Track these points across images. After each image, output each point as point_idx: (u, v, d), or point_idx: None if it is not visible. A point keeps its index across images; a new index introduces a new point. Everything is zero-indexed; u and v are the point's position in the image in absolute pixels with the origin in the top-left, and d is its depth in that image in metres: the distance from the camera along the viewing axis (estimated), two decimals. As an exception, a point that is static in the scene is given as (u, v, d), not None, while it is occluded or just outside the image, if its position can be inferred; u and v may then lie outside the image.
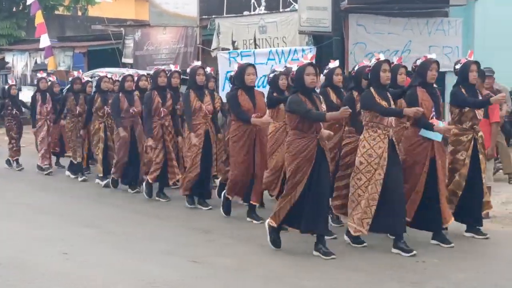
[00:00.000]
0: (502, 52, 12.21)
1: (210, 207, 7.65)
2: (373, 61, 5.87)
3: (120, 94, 8.80)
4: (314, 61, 6.46)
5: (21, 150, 11.81)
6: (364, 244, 5.71)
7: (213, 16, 14.24)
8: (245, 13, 14.23)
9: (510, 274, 5.08)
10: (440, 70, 14.27)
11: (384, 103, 5.61)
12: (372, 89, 5.69)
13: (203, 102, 7.66)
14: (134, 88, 9.18)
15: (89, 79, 11.03)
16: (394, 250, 5.52)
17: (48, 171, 10.86)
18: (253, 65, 7.07)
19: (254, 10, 14.35)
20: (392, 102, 5.79)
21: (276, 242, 5.63)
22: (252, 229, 6.79)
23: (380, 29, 12.53)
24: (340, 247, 5.89)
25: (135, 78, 9.19)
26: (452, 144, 6.21)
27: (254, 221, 6.92)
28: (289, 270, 5.42)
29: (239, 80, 6.98)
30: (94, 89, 10.44)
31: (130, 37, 16.90)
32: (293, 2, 12.91)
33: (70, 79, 11.07)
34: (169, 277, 4.98)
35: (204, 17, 14.48)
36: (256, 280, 5.12)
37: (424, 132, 5.86)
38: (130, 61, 16.64)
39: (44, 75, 11.63)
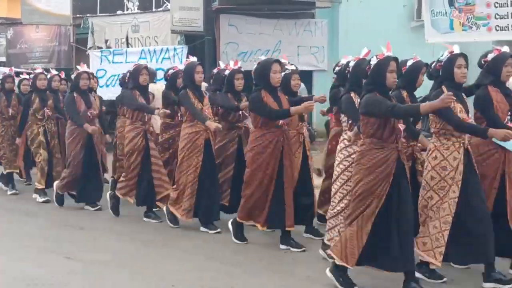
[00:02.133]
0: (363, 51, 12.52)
1: (219, 229, 6.26)
2: (445, 54, 4.77)
3: (75, 94, 7.47)
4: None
5: None
6: (444, 279, 4.51)
7: (87, 15, 13.86)
8: (118, 12, 13.91)
9: None
10: (308, 69, 14.15)
11: (459, 106, 4.56)
12: (444, 88, 4.59)
13: (203, 104, 6.32)
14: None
15: (26, 77, 9.47)
16: (488, 285, 4.42)
17: None
18: (280, 62, 5.78)
19: (127, 10, 14.07)
20: (467, 105, 4.67)
21: (350, 284, 4.43)
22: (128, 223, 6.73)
23: (251, 29, 12.56)
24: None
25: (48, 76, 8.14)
26: None
27: (293, 249, 5.58)
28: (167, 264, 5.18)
29: (262, 79, 5.63)
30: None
31: (2, 35, 16.24)
32: (166, 2, 12.74)
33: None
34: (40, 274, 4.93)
35: (77, 15, 14.01)
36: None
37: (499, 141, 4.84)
38: (3, 59, 16.07)
39: (12, 72, 9.79)
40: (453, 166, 4.44)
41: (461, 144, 4.49)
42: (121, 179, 7.02)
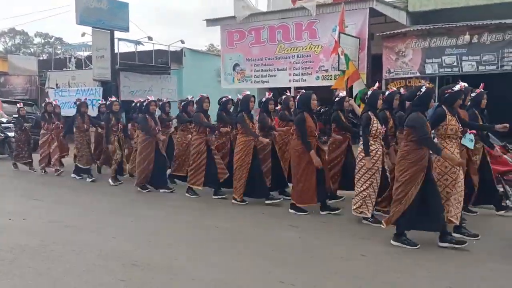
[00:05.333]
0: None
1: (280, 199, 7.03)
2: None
3: (146, 116, 8.11)
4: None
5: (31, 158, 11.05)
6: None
7: (48, 70, 18.33)
8: (64, 69, 18.48)
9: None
10: (167, 100, 18.73)
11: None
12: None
13: (253, 123, 7.16)
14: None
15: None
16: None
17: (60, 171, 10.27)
18: (314, 93, 6.30)
19: (69, 68, 18.45)
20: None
21: (409, 242, 4.87)
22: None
23: (137, 79, 17.32)
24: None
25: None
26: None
27: (332, 212, 6.29)
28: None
29: (305, 105, 6.17)
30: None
31: (-4, 81, 19.80)
32: (89, 64, 17.08)
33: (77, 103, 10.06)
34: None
35: (42, 70, 18.40)
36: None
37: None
38: (-1, 95, 19.49)
39: (51, 100, 10.81)
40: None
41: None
42: (190, 173, 7.57)
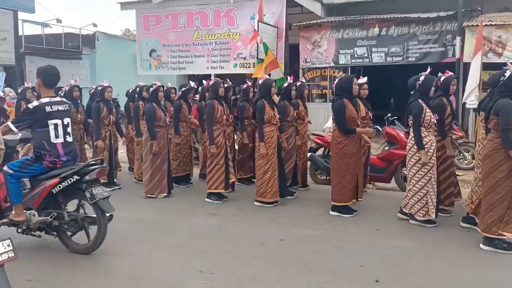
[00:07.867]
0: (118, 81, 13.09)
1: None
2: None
3: (154, 104, 6.77)
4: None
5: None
6: None
7: None
8: None
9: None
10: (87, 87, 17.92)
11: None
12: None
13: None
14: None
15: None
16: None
17: None
18: (355, 77, 5.82)
19: None
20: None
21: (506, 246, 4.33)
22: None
23: (44, 64, 14.32)
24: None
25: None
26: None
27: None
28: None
29: (345, 90, 5.53)
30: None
31: None
32: None
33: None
34: None
35: None
36: None
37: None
38: None
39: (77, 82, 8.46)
40: None
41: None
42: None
